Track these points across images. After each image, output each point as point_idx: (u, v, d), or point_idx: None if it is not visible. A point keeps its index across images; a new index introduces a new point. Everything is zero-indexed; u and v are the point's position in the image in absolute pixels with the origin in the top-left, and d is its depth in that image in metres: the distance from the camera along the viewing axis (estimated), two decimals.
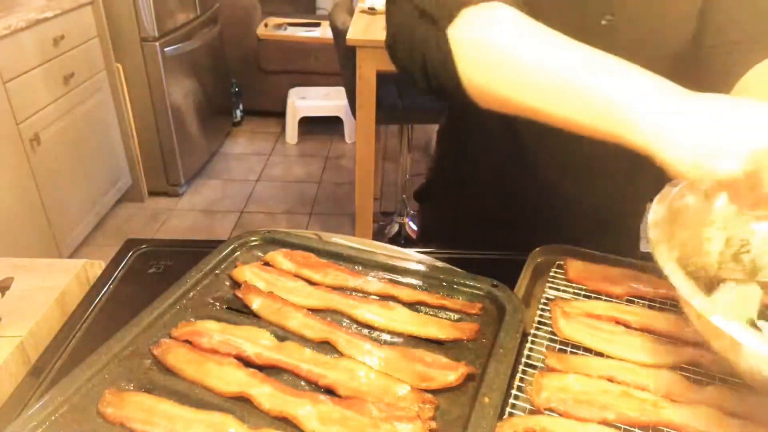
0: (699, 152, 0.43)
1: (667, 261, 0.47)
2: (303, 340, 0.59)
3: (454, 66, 0.57)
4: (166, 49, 2.63)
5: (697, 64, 0.71)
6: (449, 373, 0.54)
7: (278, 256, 0.71)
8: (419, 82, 0.62)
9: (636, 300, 0.67)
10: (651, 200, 0.54)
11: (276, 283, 0.67)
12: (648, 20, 0.68)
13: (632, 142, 0.47)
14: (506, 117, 0.58)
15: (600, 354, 0.59)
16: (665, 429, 0.51)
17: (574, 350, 0.60)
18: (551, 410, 0.52)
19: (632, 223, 0.93)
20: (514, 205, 0.86)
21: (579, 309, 0.64)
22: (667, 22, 0.69)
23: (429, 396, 0.52)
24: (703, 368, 0.57)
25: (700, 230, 0.55)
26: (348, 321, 0.62)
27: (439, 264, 0.70)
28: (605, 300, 0.67)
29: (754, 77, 0.65)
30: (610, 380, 0.55)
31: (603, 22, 0.67)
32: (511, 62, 0.53)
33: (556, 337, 0.61)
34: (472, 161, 0.89)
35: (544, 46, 0.53)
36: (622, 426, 0.51)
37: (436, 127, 3.42)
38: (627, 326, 0.62)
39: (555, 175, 0.82)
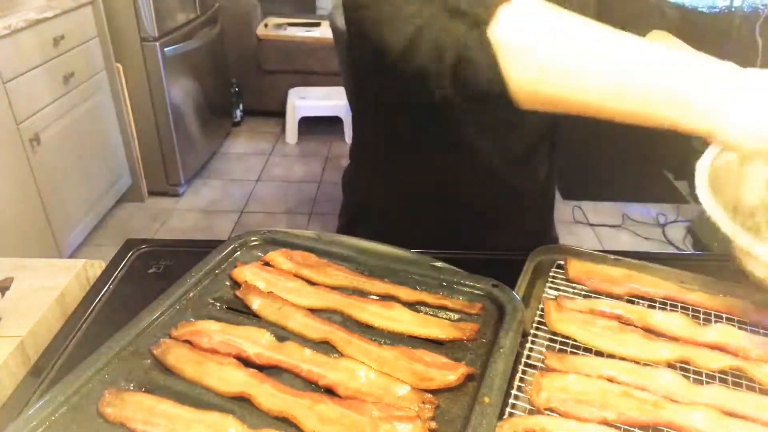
0: (759, 133, 0.45)
1: (714, 207, 0.48)
2: (303, 340, 0.59)
3: (499, 69, 0.55)
4: (166, 49, 2.63)
5: None
6: (449, 373, 0.54)
7: (278, 256, 0.71)
8: (444, 84, 0.59)
9: (636, 300, 0.67)
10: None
11: (276, 283, 0.67)
12: None
13: (696, 128, 0.48)
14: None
15: (590, 350, 0.59)
16: (665, 429, 0.51)
17: (574, 350, 0.60)
18: (551, 410, 0.52)
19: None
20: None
21: (580, 307, 0.65)
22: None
23: (429, 396, 0.52)
24: (698, 366, 0.57)
25: (743, 172, 0.54)
26: (348, 321, 0.62)
27: (439, 264, 0.70)
28: (606, 300, 0.67)
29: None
30: (610, 380, 0.55)
31: None
32: (568, 64, 0.53)
33: (556, 337, 0.61)
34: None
35: (595, 45, 0.52)
36: (622, 426, 0.51)
37: None
38: (628, 325, 0.62)
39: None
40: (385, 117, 0.85)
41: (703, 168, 0.51)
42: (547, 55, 0.53)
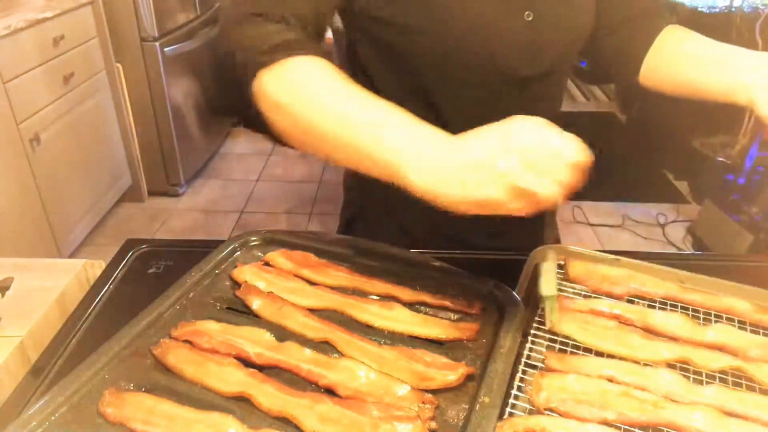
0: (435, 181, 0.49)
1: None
2: (303, 340, 0.59)
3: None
4: (166, 49, 2.63)
5: (601, 48, 0.84)
6: (449, 373, 0.54)
7: (278, 256, 0.71)
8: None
9: (636, 300, 0.67)
10: None
11: (276, 283, 0.67)
12: (559, 12, 0.75)
13: (387, 174, 0.53)
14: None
15: (590, 350, 0.59)
16: (665, 429, 0.51)
17: (574, 350, 0.60)
18: (551, 410, 0.52)
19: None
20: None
21: (580, 307, 0.65)
22: (579, 11, 0.77)
23: (429, 396, 0.52)
24: (698, 366, 0.57)
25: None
26: (348, 321, 0.62)
27: (439, 264, 0.70)
28: (605, 300, 0.67)
29: (668, 40, 0.79)
30: (610, 380, 0.55)
31: (527, 18, 0.73)
32: (298, 113, 0.58)
33: (556, 337, 0.61)
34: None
35: (319, 108, 0.58)
36: (622, 426, 0.51)
37: None
38: (629, 325, 0.62)
39: None
40: None
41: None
42: (284, 109, 0.59)
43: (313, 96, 0.58)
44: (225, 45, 0.65)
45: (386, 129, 0.53)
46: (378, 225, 0.92)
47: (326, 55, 0.64)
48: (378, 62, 0.79)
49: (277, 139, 0.62)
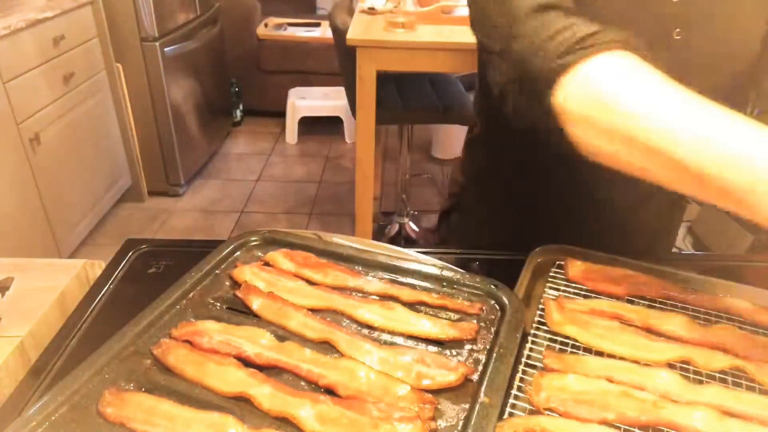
0: None
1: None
2: (303, 340, 0.59)
3: (564, 131, 0.55)
4: (166, 49, 2.63)
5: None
6: (449, 373, 0.54)
7: (278, 256, 0.71)
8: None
9: (636, 300, 0.67)
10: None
11: (276, 283, 0.67)
12: (717, 33, 0.68)
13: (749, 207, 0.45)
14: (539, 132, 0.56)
15: (590, 350, 0.59)
16: (665, 429, 0.51)
17: (574, 350, 0.60)
18: (551, 410, 0.52)
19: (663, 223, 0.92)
20: (549, 213, 0.84)
21: (581, 307, 0.65)
22: (736, 35, 0.69)
23: (429, 396, 0.52)
24: (698, 366, 0.57)
25: None
26: (348, 321, 0.62)
27: (439, 264, 0.70)
28: (606, 300, 0.67)
29: None
30: (610, 380, 0.55)
31: (676, 37, 0.66)
32: (630, 134, 0.50)
33: (556, 337, 0.61)
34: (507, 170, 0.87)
35: (661, 116, 0.49)
36: (622, 426, 0.51)
37: (435, 127, 3.40)
38: (629, 325, 0.62)
39: (587, 179, 0.80)
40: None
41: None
42: (608, 126, 0.51)
43: (646, 103, 0.49)
44: (515, 51, 0.58)
45: (749, 144, 0.44)
46: (471, 218, 0.90)
47: (627, 43, 0.54)
48: None
49: (568, 148, 0.55)
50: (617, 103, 0.50)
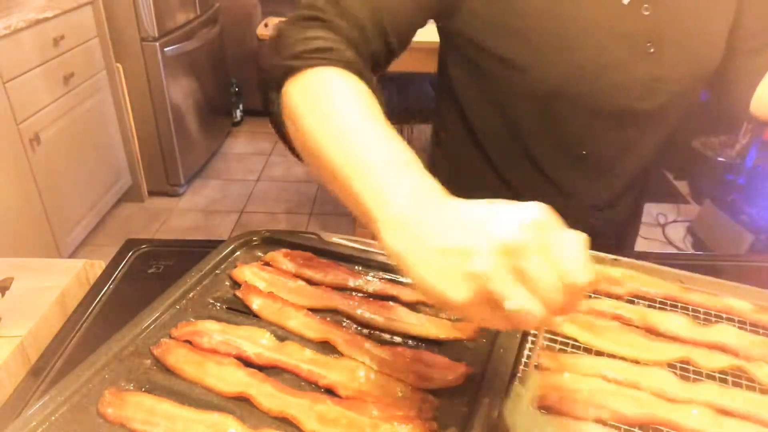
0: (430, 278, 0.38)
1: None
2: (303, 340, 0.59)
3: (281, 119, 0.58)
4: (166, 49, 2.63)
5: (725, 68, 0.75)
6: (449, 373, 0.54)
7: (278, 256, 0.71)
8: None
9: (636, 300, 0.67)
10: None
11: (276, 283, 0.67)
12: (687, 44, 0.70)
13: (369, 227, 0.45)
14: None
15: (590, 350, 0.59)
16: (661, 428, 0.51)
17: (574, 350, 0.60)
18: (546, 408, 0.52)
19: (629, 223, 0.93)
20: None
21: (581, 307, 0.65)
22: (704, 45, 0.72)
23: (429, 396, 0.52)
24: (698, 366, 0.57)
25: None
26: (348, 321, 0.62)
27: None
28: (605, 300, 0.67)
29: None
30: (606, 379, 0.55)
31: (649, 51, 0.69)
32: (307, 129, 0.52)
33: (556, 337, 0.61)
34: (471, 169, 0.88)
35: (326, 131, 0.51)
36: (618, 424, 0.51)
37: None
38: (629, 325, 0.62)
39: (558, 174, 0.82)
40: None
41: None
42: (297, 124, 0.54)
43: (326, 114, 0.52)
44: (271, 43, 0.61)
45: (380, 177, 0.45)
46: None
47: (365, 70, 0.58)
48: (470, 86, 0.76)
49: (291, 147, 0.59)
50: (317, 108, 0.53)
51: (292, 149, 0.59)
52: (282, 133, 0.60)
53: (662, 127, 0.78)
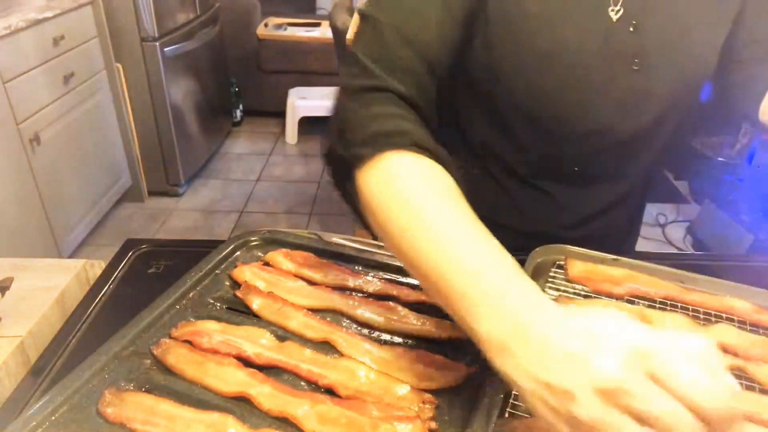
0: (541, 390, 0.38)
1: None
2: (303, 340, 0.59)
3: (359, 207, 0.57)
4: (166, 49, 2.63)
5: (722, 79, 0.74)
6: (449, 373, 0.54)
7: (278, 256, 0.71)
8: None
9: (636, 300, 0.67)
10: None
11: (276, 283, 0.67)
12: (673, 60, 0.70)
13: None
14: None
15: None
16: None
17: None
18: None
19: (628, 227, 0.93)
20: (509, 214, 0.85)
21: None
22: (691, 61, 0.71)
23: (429, 396, 0.52)
24: None
25: None
26: (348, 321, 0.62)
27: None
28: (606, 300, 0.67)
29: None
30: None
31: (635, 68, 0.69)
32: (393, 239, 0.51)
33: None
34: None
35: (419, 232, 0.49)
36: None
37: None
38: None
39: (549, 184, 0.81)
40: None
41: None
42: (381, 221, 0.52)
43: (413, 213, 0.50)
44: (332, 122, 0.60)
45: (478, 294, 0.44)
46: None
47: (439, 149, 0.55)
48: (464, 99, 0.76)
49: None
50: (394, 202, 0.51)
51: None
52: (356, 211, 0.58)
53: (657, 140, 0.78)
